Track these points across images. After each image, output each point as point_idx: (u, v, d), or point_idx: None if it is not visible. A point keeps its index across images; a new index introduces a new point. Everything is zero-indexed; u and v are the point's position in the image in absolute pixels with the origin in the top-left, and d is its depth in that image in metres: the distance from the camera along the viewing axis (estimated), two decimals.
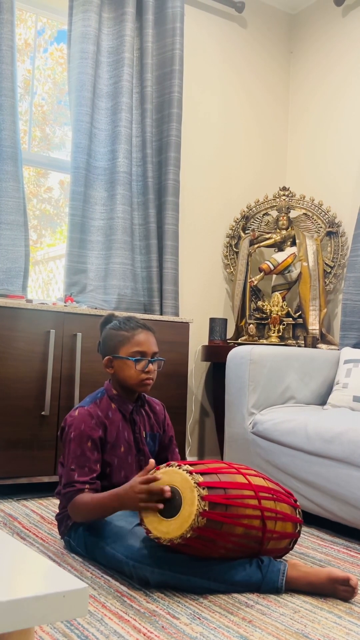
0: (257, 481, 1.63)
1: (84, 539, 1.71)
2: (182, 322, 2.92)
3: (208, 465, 1.61)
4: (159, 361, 1.88)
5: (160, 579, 1.51)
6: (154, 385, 1.90)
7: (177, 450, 2.03)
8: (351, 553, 1.93)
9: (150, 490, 1.50)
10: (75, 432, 1.76)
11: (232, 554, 1.54)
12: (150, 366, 1.84)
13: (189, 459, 3.24)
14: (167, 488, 1.49)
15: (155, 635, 1.27)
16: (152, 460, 1.58)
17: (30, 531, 1.99)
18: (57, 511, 1.86)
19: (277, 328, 3.23)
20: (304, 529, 2.20)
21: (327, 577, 1.51)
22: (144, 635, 1.28)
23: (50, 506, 2.34)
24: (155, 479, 1.51)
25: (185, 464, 1.54)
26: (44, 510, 2.28)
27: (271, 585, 1.52)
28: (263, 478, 1.68)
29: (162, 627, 1.32)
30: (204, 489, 1.48)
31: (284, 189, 3.46)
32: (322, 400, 2.74)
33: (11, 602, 0.71)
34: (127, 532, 1.60)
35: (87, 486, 1.70)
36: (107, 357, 1.87)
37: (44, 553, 1.78)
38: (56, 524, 2.04)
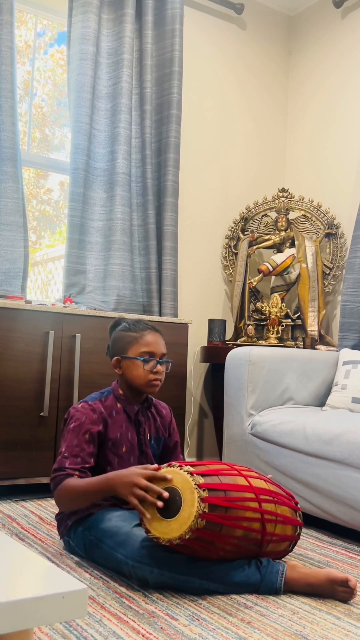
0: (258, 483, 1.63)
1: (83, 539, 1.71)
2: (181, 323, 2.92)
3: (209, 466, 1.61)
4: (167, 363, 1.89)
5: (159, 579, 1.51)
6: (159, 388, 1.90)
7: (182, 456, 2.04)
8: (350, 554, 1.93)
9: (149, 488, 1.50)
10: (75, 423, 1.78)
11: (230, 555, 1.54)
12: (159, 367, 1.85)
13: (188, 460, 3.24)
14: (166, 494, 1.49)
15: (154, 637, 1.28)
16: (155, 465, 1.58)
17: (29, 532, 1.99)
18: (56, 511, 1.86)
19: (275, 329, 3.24)
20: (303, 530, 2.20)
21: (326, 578, 1.52)
22: (143, 636, 1.28)
23: (49, 507, 2.34)
24: (164, 478, 1.51)
25: (186, 465, 1.54)
26: (43, 511, 2.28)
27: (270, 586, 1.52)
28: (264, 480, 1.68)
29: (161, 628, 1.32)
30: (204, 490, 1.48)
31: (283, 190, 3.47)
32: (321, 402, 2.74)
33: (10, 603, 0.71)
34: (126, 532, 1.60)
35: (76, 473, 1.70)
36: (115, 357, 1.88)
37: (42, 554, 1.77)
38: (55, 524, 2.04)
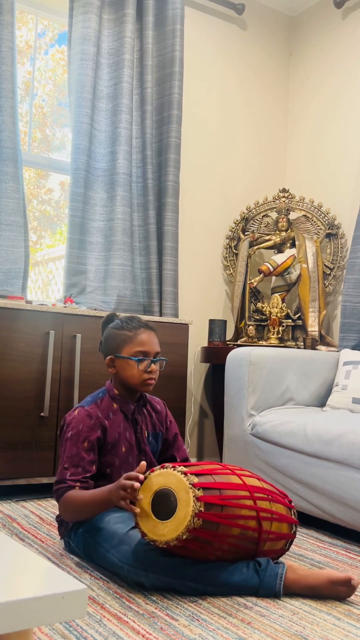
0: (252, 482, 1.63)
1: (83, 540, 1.71)
2: (181, 324, 2.92)
3: (202, 466, 1.61)
4: (161, 361, 1.88)
5: (154, 583, 1.50)
6: (153, 386, 1.90)
7: (184, 447, 2.02)
8: (350, 555, 1.93)
9: (125, 487, 1.50)
10: (73, 431, 1.76)
11: (228, 555, 1.53)
12: (153, 366, 1.84)
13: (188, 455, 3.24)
14: (137, 485, 1.49)
15: (154, 637, 1.27)
16: (143, 462, 1.57)
17: (29, 532, 1.99)
18: (57, 512, 1.86)
19: (276, 330, 3.24)
20: (303, 530, 2.20)
21: (328, 579, 1.51)
22: (143, 636, 1.28)
23: (49, 507, 2.34)
24: (137, 478, 1.51)
25: (179, 465, 1.54)
26: (43, 511, 2.28)
27: (269, 589, 1.51)
28: (257, 479, 1.68)
29: (161, 628, 1.32)
30: (199, 489, 1.47)
31: (284, 190, 3.47)
32: (321, 402, 2.74)
33: (10, 603, 0.71)
34: (122, 535, 1.59)
35: (78, 484, 1.70)
36: (109, 357, 1.86)
37: (42, 554, 1.78)
38: (56, 525, 2.04)
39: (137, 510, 1.49)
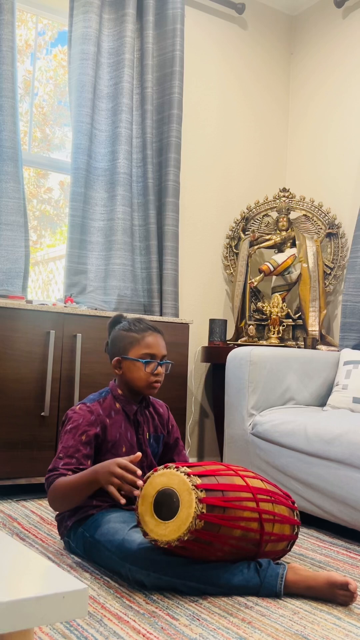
0: (255, 483, 1.63)
1: (83, 540, 1.71)
2: (181, 323, 2.92)
3: (206, 467, 1.60)
4: (167, 364, 1.88)
5: (156, 583, 1.50)
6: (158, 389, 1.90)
7: (184, 451, 2.03)
8: (351, 554, 1.93)
9: (123, 477, 1.53)
10: (73, 424, 1.77)
11: (229, 556, 1.53)
12: (159, 369, 1.85)
13: (189, 459, 3.24)
14: (140, 483, 1.52)
15: (155, 637, 1.27)
16: (138, 453, 1.60)
17: (29, 532, 1.99)
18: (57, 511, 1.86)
19: (276, 329, 3.23)
20: (304, 530, 2.20)
21: (326, 581, 1.50)
22: (144, 636, 1.28)
23: (49, 507, 2.34)
24: (134, 471, 1.54)
25: (183, 466, 1.54)
26: (44, 511, 2.28)
27: (269, 590, 1.50)
28: (261, 480, 1.68)
29: (162, 628, 1.32)
30: (201, 491, 1.47)
31: (284, 190, 3.47)
32: (322, 402, 2.74)
33: (11, 602, 0.71)
34: (123, 534, 1.59)
35: (69, 473, 1.70)
36: (116, 358, 1.87)
37: (43, 554, 1.77)
38: (56, 524, 2.04)
39: (123, 500, 1.52)
